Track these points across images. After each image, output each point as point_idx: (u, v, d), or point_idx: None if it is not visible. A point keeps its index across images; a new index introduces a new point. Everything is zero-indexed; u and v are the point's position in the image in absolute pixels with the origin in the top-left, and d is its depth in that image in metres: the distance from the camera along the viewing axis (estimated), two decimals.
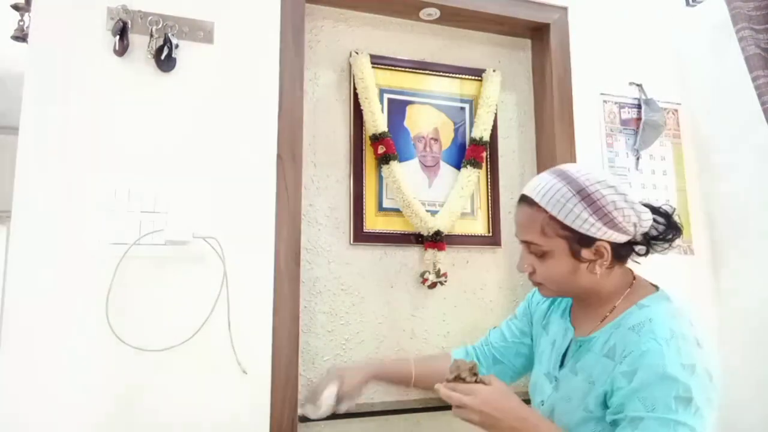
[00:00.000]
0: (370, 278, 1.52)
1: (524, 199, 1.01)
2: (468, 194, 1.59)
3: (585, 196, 0.93)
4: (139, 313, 1.19)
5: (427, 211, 1.53)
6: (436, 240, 1.52)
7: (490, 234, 1.64)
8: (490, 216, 1.64)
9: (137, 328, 1.18)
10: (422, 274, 1.53)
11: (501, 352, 1.25)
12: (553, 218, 0.95)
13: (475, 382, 0.97)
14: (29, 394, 1.11)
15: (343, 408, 1.20)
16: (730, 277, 1.74)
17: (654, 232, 1.00)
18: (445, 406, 1.45)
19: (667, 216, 1.02)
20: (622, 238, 0.96)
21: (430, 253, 1.53)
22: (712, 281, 1.77)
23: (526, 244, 1.01)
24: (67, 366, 1.13)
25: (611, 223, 0.93)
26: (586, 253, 0.96)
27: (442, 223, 1.53)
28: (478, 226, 1.64)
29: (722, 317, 1.73)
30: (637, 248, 1.01)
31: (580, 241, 0.95)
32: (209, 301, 1.23)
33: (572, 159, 1.63)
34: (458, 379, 0.98)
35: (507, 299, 1.65)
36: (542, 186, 0.97)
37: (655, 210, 1.01)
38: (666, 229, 1.01)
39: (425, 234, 1.52)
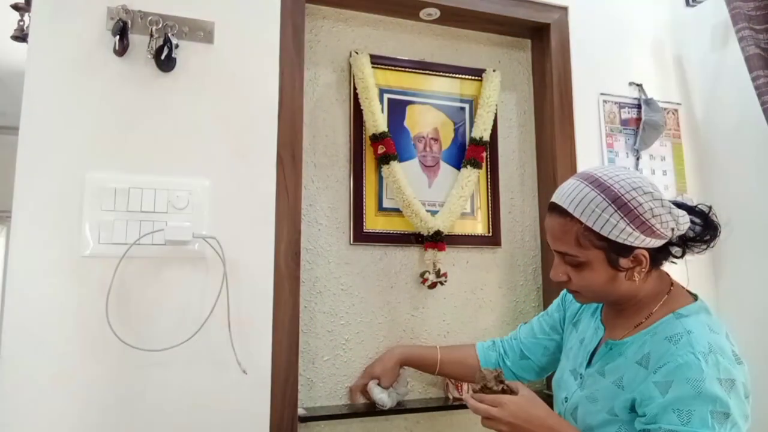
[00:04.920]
0: (370, 278, 1.52)
1: (555, 208, 0.97)
2: (468, 194, 1.59)
3: (621, 205, 0.90)
4: (139, 313, 1.19)
5: (427, 211, 1.53)
6: (436, 240, 1.52)
7: (490, 234, 1.64)
8: (490, 216, 1.64)
9: (137, 328, 1.18)
10: (422, 274, 1.53)
11: (528, 347, 1.25)
12: (588, 229, 0.92)
13: (502, 389, 0.97)
14: (29, 393, 1.11)
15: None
16: (730, 277, 1.74)
17: (691, 234, 0.98)
18: (444, 407, 1.48)
19: (704, 215, 0.99)
20: (659, 243, 0.94)
21: (430, 253, 1.53)
22: (711, 281, 1.77)
23: (561, 254, 0.98)
24: (67, 366, 1.13)
25: (649, 231, 0.91)
26: (624, 262, 0.93)
27: (442, 223, 1.52)
28: (478, 226, 1.64)
29: (721, 317, 1.72)
30: (674, 250, 0.99)
31: (617, 250, 0.92)
32: (209, 301, 1.23)
33: (572, 159, 1.63)
34: (485, 388, 0.97)
35: (507, 299, 1.65)
36: (574, 194, 0.94)
37: (691, 210, 0.99)
38: (703, 230, 0.99)
39: (425, 234, 1.52)
